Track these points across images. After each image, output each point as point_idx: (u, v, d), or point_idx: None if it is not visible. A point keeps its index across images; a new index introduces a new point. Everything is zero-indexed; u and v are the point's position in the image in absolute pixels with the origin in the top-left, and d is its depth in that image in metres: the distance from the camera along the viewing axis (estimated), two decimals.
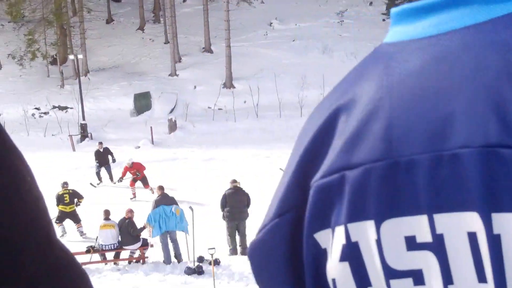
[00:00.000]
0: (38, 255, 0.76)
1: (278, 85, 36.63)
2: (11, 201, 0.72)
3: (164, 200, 16.48)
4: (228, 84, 39.01)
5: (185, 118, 34.91)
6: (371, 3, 48.23)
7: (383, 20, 45.02)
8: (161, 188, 17.08)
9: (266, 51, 42.72)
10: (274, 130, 33.16)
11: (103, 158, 24.74)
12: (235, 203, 16.70)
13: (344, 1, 48.95)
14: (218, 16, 44.03)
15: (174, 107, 37.05)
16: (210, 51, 43.31)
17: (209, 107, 36.85)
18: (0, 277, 0.72)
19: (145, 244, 16.47)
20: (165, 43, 44.87)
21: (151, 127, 32.28)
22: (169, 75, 40.74)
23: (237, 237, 16.93)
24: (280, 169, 23.62)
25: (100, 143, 25.96)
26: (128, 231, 16.19)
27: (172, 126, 33.73)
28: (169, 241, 16.30)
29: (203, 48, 43.77)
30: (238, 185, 17.41)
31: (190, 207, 16.25)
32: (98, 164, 24.69)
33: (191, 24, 46.19)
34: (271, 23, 46.72)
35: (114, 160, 24.99)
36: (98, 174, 24.64)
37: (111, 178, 24.38)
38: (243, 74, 39.49)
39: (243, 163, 26.44)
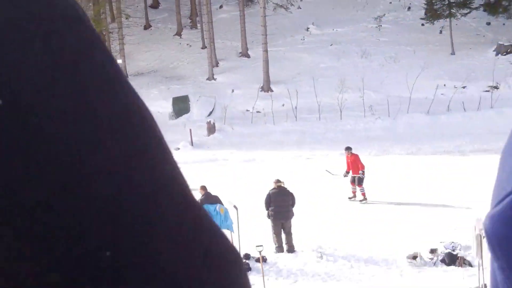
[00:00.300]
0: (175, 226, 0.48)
1: (316, 88, 36.46)
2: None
3: (208, 199, 16.40)
4: (266, 87, 38.95)
5: (224, 121, 34.86)
6: (409, 8, 47.97)
7: (422, 25, 44.68)
8: (203, 188, 17.00)
9: (303, 56, 42.64)
10: (313, 132, 32.94)
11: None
12: (279, 202, 16.65)
13: (381, 6, 48.79)
14: (254, 22, 44.07)
15: (212, 110, 37.06)
16: (247, 56, 43.33)
17: (247, 110, 36.78)
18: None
19: None
20: (202, 48, 45.01)
21: (190, 129, 32.27)
22: (207, 79, 40.82)
23: (283, 236, 16.80)
24: (327, 170, 23.40)
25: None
26: None
27: (211, 129, 33.70)
28: None
29: (240, 52, 43.82)
30: (282, 185, 17.32)
31: (235, 206, 16.11)
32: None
33: (228, 30, 46.33)
34: (308, 28, 46.66)
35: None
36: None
37: None
38: (280, 78, 39.43)
39: (284, 164, 26.29)
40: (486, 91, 36.62)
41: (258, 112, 36.19)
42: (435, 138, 30.73)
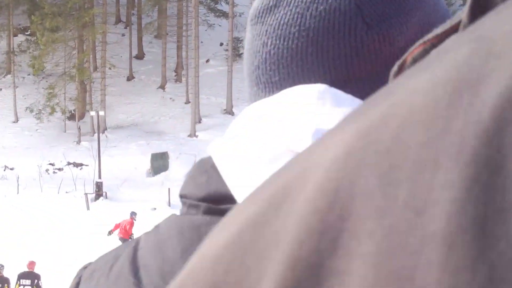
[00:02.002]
0: None
1: None
2: None
3: None
4: None
5: None
6: None
7: None
8: None
9: None
10: None
11: None
12: None
13: None
14: (241, 78, 43.22)
15: None
16: (232, 113, 42.53)
17: None
18: None
19: None
20: (185, 103, 44.23)
21: (168, 189, 31.20)
22: (188, 135, 39.91)
23: None
24: None
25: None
26: None
27: None
28: None
29: (225, 109, 43.04)
30: None
31: None
32: None
33: (213, 85, 45.63)
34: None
35: None
36: None
37: None
38: None
39: None
40: None
41: None
42: None
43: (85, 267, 0.82)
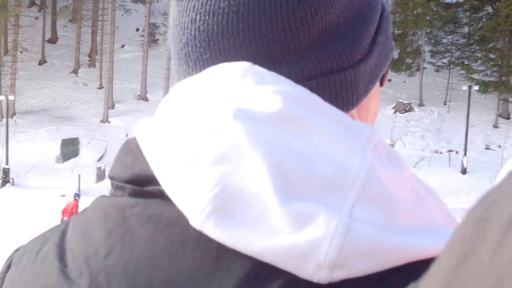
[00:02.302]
0: None
1: None
2: None
3: None
4: None
5: None
6: None
7: None
8: None
9: None
10: None
11: None
12: None
13: None
14: (157, 64, 43.01)
15: (103, 155, 35.48)
16: (146, 99, 42.08)
17: None
18: None
19: None
20: (98, 88, 43.54)
21: (79, 175, 30.63)
22: (101, 121, 39.25)
23: None
24: None
25: None
26: None
27: (101, 175, 32.14)
28: None
29: (139, 95, 42.52)
30: None
31: None
32: None
33: (128, 71, 45.01)
34: None
35: None
36: None
37: None
38: None
39: None
40: None
41: None
42: None
43: (17, 250, 0.76)
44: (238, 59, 0.67)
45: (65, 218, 22.08)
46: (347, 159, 0.59)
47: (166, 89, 37.98)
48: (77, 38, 46.42)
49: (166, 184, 0.60)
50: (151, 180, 0.64)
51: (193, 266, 0.58)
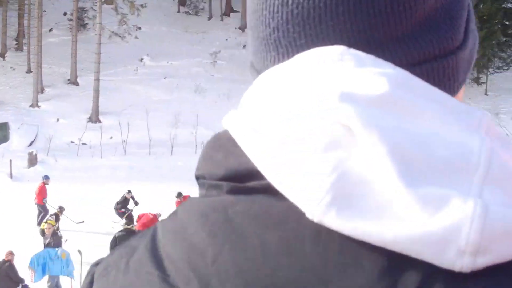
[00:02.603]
0: None
1: (149, 122, 35.06)
2: None
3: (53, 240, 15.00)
4: (94, 118, 37.06)
5: (47, 152, 32.53)
6: (244, 47, 47.97)
7: None
8: (50, 225, 15.56)
9: (136, 87, 41.22)
10: (143, 168, 31.50)
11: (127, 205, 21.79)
12: None
13: (218, 42, 48.45)
14: (86, 48, 42.20)
15: (34, 139, 34.60)
16: (76, 84, 41.23)
17: (72, 142, 34.72)
18: None
19: None
20: (27, 72, 42.44)
21: (10, 160, 29.78)
22: (30, 106, 38.27)
23: None
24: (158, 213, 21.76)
25: (129, 191, 22.25)
26: (7, 276, 14.00)
27: (32, 160, 31.30)
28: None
29: (69, 80, 41.64)
30: (131, 228, 16.01)
31: (79, 250, 14.51)
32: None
33: (57, 55, 44.00)
34: (142, 59, 45.31)
35: (136, 203, 21.68)
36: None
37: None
38: (111, 109, 37.71)
39: (111, 200, 24.53)
40: None
41: (84, 144, 34.18)
42: None
43: (96, 264, 0.71)
44: (338, 43, 0.62)
45: (36, 201, 21.73)
46: (465, 141, 0.55)
47: (97, 73, 37.33)
48: (3, 22, 45.17)
49: (274, 177, 0.56)
50: (251, 174, 0.59)
51: (318, 263, 0.54)
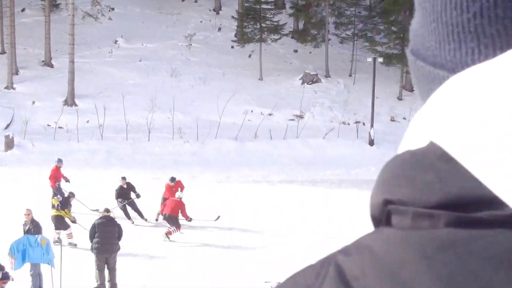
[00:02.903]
0: None
1: (125, 106, 34.95)
2: None
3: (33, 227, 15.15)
4: (70, 101, 36.81)
5: (24, 135, 32.34)
6: (219, 29, 47.88)
7: (232, 47, 44.74)
8: (29, 211, 15.65)
9: (111, 70, 40.96)
10: (120, 153, 31.54)
11: (126, 195, 21.59)
12: (105, 234, 15.40)
13: (192, 24, 48.23)
14: (59, 29, 41.75)
15: (10, 122, 34.32)
16: (51, 65, 40.87)
17: (48, 125, 34.53)
18: None
19: (6, 277, 14.43)
20: (1, 53, 41.92)
21: None
22: (5, 87, 37.86)
23: (106, 272, 15.51)
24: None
25: (124, 178, 22.14)
26: None
27: (9, 143, 31.12)
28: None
29: (43, 61, 41.25)
30: (110, 215, 16.11)
31: (59, 238, 14.72)
32: (122, 202, 21.43)
33: (30, 36, 43.48)
34: (117, 41, 44.99)
35: (138, 196, 21.54)
36: (126, 213, 21.39)
37: (141, 216, 21.32)
38: (86, 92, 37.48)
39: (90, 187, 24.63)
40: (292, 119, 37.24)
41: (60, 127, 34.01)
42: (243, 166, 30.57)
43: None
44: None
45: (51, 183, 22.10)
46: None
47: (72, 55, 37.04)
48: None
49: None
50: (482, 202, 0.48)
51: None
